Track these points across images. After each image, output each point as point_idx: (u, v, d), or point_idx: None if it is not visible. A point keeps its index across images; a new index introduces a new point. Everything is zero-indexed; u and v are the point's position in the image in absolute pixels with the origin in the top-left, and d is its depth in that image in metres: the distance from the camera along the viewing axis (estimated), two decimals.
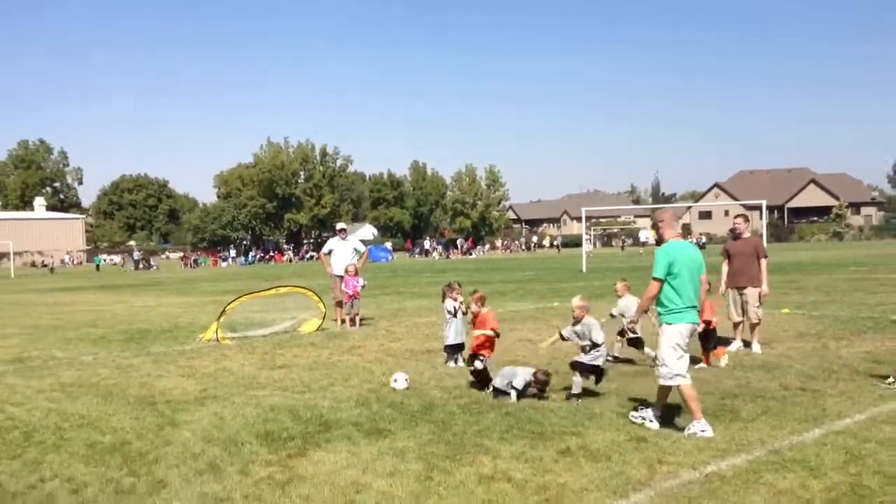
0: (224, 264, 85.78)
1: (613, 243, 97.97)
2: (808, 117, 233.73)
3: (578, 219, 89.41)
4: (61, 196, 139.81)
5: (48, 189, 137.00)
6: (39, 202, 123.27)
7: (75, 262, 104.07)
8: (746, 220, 12.97)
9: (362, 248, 18.74)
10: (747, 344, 12.50)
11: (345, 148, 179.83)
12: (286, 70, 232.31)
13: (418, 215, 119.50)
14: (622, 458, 6.65)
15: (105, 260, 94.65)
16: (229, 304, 15.84)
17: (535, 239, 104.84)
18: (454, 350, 11.70)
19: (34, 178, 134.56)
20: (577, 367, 9.02)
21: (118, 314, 22.71)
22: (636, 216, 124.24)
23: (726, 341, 12.27)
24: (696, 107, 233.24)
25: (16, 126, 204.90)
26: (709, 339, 11.14)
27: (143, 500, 5.91)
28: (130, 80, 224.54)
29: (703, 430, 7.34)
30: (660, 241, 7.90)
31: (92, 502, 5.90)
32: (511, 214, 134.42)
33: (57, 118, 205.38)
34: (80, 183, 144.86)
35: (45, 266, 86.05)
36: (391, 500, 5.75)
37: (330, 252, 18.34)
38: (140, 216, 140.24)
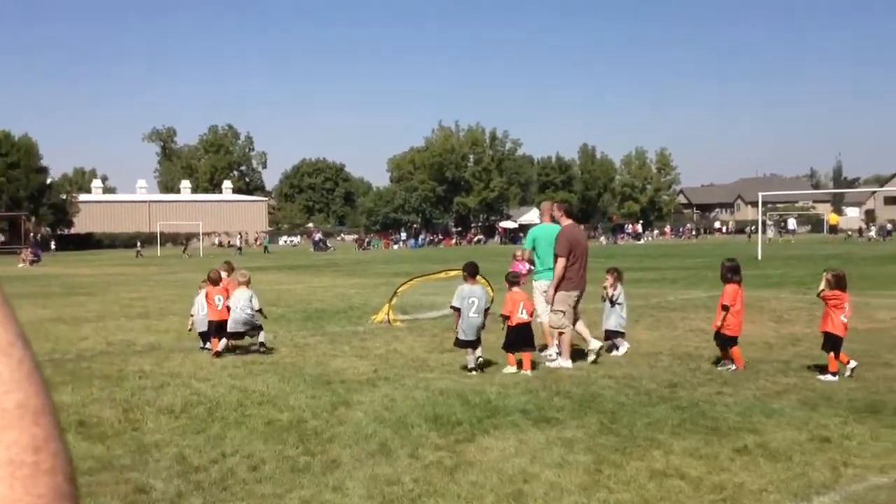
0: (395, 247, 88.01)
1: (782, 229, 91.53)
2: None
3: (753, 203, 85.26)
4: (247, 179, 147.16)
5: (235, 172, 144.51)
6: (227, 185, 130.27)
7: (258, 243, 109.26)
8: (551, 206, 11.83)
9: None
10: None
11: (514, 131, 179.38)
12: (457, 54, 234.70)
13: (586, 199, 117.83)
14: (804, 459, 6.29)
15: (286, 241, 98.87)
16: (401, 286, 16.17)
17: (717, 224, 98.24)
18: (614, 336, 11.63)
19: (222, 161, 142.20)
20: None
21: (297, 293, 23.68)
22: (815, 201, 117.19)
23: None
24: (882, 84, 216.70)
25: (206, 112, 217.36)
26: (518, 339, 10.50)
27: (318, 478, 6.11)
28: (310, 67, 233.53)
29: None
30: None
31: (269, 479, 6.15)
32: (682, 199, 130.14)
33: (244, 104, 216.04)
34: (265, 167, 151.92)
35: (231, 246, 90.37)
36: (560, 492, 5.68)
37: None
38: (318, 199, 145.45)
